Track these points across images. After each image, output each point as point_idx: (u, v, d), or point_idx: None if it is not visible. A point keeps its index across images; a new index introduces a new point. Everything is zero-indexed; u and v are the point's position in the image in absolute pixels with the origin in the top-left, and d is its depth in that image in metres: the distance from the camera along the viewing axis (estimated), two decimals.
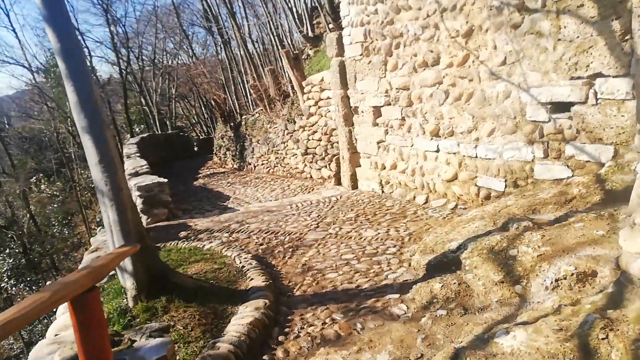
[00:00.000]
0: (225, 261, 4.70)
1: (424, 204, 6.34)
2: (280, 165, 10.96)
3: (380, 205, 6.65)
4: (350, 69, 7.35)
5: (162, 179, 7.29)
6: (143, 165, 8.76)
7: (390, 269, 4.33)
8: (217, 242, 5.61)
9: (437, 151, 6.06)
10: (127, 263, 3.60)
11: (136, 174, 8.44)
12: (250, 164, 13.16)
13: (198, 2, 21.42)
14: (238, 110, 15.67)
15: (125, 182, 3.60)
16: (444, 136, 5.91)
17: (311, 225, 6.01)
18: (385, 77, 6.69)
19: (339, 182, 8.30)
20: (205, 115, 29.37)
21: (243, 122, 14.01)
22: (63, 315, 3.66)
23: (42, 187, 17.27)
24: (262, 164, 12.14)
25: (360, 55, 7.03)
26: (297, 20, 15.15)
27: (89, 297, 1.79)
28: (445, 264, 3.99)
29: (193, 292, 3.66)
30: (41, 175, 18.06)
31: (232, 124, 15.16)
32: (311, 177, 9.33)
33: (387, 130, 6.93)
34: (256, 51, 14.43)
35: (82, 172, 18.11)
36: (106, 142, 3.33)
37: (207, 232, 6.26)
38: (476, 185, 5.60)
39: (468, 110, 5.49)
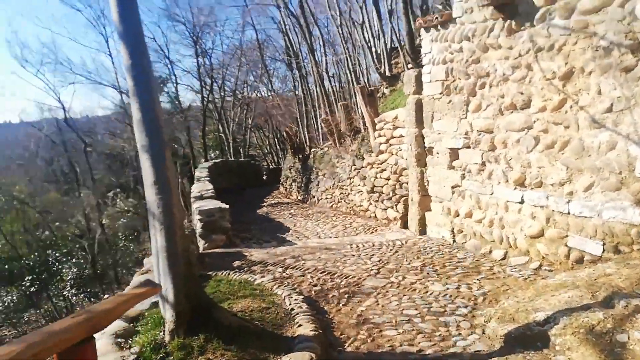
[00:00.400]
0: (274, 300, 4.35)
1: (501, 259, 5.62)
2: (345, 201, 10.61)
3: (450, 256, 6.01)
4: (428, 108, 6.94)
5: (223, 205, 7.23)
6: (209, 190, 8.84)
7: (460, 334, 3.72)
8: (269, 277, 5.30)
9: (521, 202, 5.39)
10: (170, 292, 3.38)
11: (200, 197, 8.50)
12: (314, 197, 12.96)
13: (281, 38, 22.35)
14: (308, 143, 15.72)
15: (180, 206, 3.43)
16: (530, 186, 5.25)
17: (371, 270, 5.52)
18: (466, 117, 6.19)
19: (405, 226, 7.75)
20: (278, 147, 30.11)
21: (311, 155, 13.95)
22: None
23: (118, 201, 18.38)
24: (326, 199, 11.87)
25: (440, 93, 6.61)
26: (375, 59, 15.12)
27: (80, 351, 1.41)
28: (528, 338, 3.34)
29: (235, 333, 3.33)
30: (118, 190, 19.26)
31: (300, 156, 15.19)
32: (375, 216, 8.86)
33: (463, 174, 6.36)
34: (332, 87, 14.52)
35: None
36: (164, 162, 3.19)
37: (262, 264, 5.98)
38: (566, 245, 4.85)
39: (561, 160, 4.83)
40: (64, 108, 16.94)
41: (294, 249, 6.72)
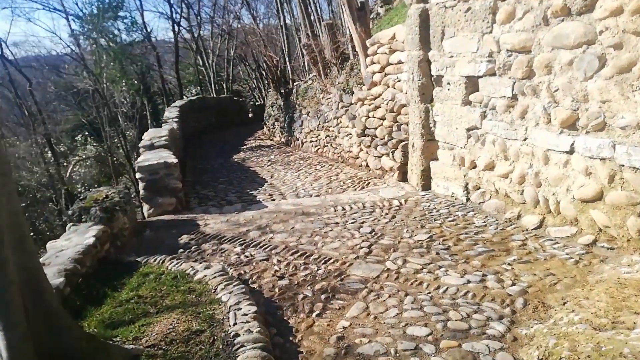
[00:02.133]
0: (214, 314, 2.90)
1: (535, 228, 4.16)
2: (331, 145, 8.99)
3: (465, 222, 4.54)
4: (437, 21, 5.13)
5: (171, 158, 5.61)
6: (162, 137, 7.15)
7: None
8: (219, 263, 3.83)
9: (570, 152, 3.82)
10: (1, 346, 1.89)
11: (151, 147, 6.84)
12: (297, 139, 11.30)
13: None
14: (291, 76, 13.75)
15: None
16: (585, 130, 3.65)
17: (360, 248, 4.06)
18: (491, 32, 4.43)
19: (404, 178, 6.22)
20: (262, 81, 27.81)
21: (294, 90, 12.09)
22: None
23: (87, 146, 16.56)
24: (311, 142, 10.23)
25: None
26: None
27: None
28: None
29: None
30: (86, 133, 17.29)
31: (283, 91, 13.28)
32: (367, 165, 7.29)
33: (484, 112, 4.71)
34: (315, 3, 12.27)
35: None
36: None
37: (216, 239, 4.51)
38: (639, 215, 3.35)
39: None
40: None
41: (263, 215, 5.21)
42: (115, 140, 13.57)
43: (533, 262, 3.56)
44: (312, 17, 11.52)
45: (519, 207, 4.44)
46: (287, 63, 13.85)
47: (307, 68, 12.67)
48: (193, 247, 4.37)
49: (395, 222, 4.66)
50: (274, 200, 6.21)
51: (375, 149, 6.88)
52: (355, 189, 6.31)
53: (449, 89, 5.14)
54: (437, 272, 3.50)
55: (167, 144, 6.95)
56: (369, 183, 6.50)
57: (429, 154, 5.64)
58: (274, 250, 4.14)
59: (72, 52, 14.54)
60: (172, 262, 3.82)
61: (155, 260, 3.90)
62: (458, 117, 5.06)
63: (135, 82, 13.91)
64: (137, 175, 5.51)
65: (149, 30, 19.71)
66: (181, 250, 4.32)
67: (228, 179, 8.21)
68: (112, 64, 13.09)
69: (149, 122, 15.52)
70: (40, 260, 3.54)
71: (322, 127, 9.40)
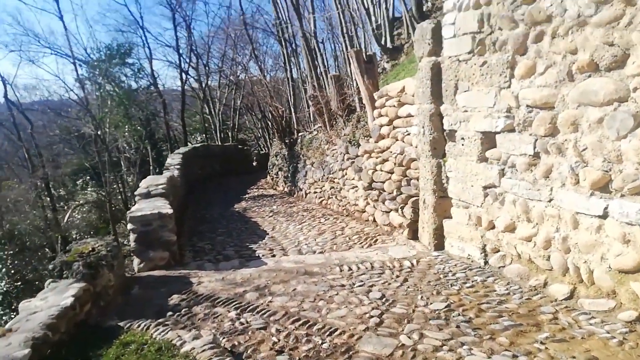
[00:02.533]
0: None
1: (565, 299, 3.73)
2: (336, 197, 8.68)
3: (485, 289, 4.11)
4: (450, 75, 4.96)
5: (166, 209, 5.27)
6: (160, 185, 6.85)
7: None
8: (210, 332, 3.39)
9: (603, 217, 3.47)
10: None
11: (147, 195, 6.53)
12: (301, 189, 11.02)
13: (272, 10, 20.03)
14: (296, 127, 13.71)
15: None
16: (620, 193, 3.32)
17: (370, 317, 3.62)
18: (509, 87, 4.23)
19: (414, 236, 5.84)
20: (267, 130, 28.03)
21: (299, 140, 11.97)
22: None
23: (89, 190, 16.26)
24: (315, 192, 9.93)
25: (469, 53, 4.62)
26: (375, 30, 13.03)
27: None
28: None
29: None
30: (88, 177, 17.10)
31: (287, 141, 13.19)
32: (374, 220, 6.93)
33: (503, 170, 4.42)
34: (321, 56, 12.39)
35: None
36: None
37: (209, 302, 4.07)
38: None
39: None
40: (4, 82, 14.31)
41: (261, 274, 4.80)
42: (115, 186, 13.32)
43: (569, 341, 3.11)
44: (318, 70, 11.61)
45: (545, 274, 4.03)
46: (293, 114, 13.86)
47: (312, 119, 12.63)
48: (183, 310, 3.93)
49: (408, 287, 4.24)
50: (274, 256, 5.80)
51: (383, 203, 6.55)
52: (362, 246, 5.91)
53: (463, 145, 4.88)
54: (459, 351, 3.05)
55: (165, 192, 6.64)
56: (376, 240, 6.11)
57: (441, 211, 5.29)
58: (273, 316, 3.70)
59: (77, 96, 14.71)
60: (158, 329, 3.38)
61: (139, 326, 3.46)
62: (474, 174, 4.76)
63: (139, 127, 13.83)
64: (129, 226, 5.16)
65: (156, 77, 20.03)
66: (170, 313, 3.88)
67: (227, 230, 7.83)
68: (116, 109, 13.11)
69: (151, 168, 15.34)
70: (8, 325, 3.13)
71: (327, 178, 9.13)
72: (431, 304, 3.83)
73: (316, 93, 9.72)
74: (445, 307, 3.76)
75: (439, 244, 5.31)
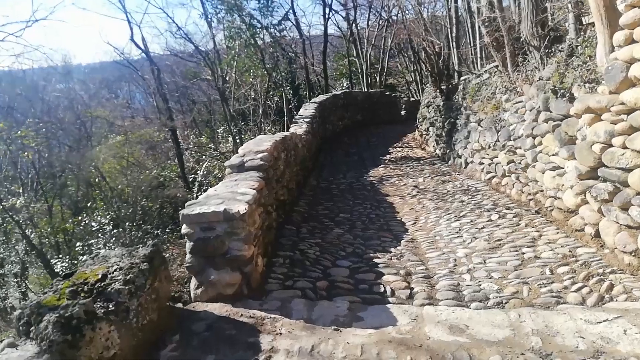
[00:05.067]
0: None
1: None
2: (518, 179, 5.69)
3: None
4: None
5: (237, 206, 3.20)
6: (261, 152, 4.84)
7: None
8: None
9: None
10: None
11: (240, 167, 4.61)
12: (460, 156, 8.13)
13: None
14: (457, 68, 10.48)
15: None
16: None
17: None
18: None
19: None
20: (419, 74, 24.59)
21: (461, 86, 8.88)
22: None
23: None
24: (481, 164, 7.00)
25: None
26: None
27: None
28: None
29: None
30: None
31: (443, 87, 10.16)
32: (597, 236, 3.90)
33: None
34: None
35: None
36: None
37: None
38: None
39: None
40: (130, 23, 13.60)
41: (382, 350, 2.48)
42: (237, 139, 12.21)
43: None
44: None
45: None
46: (453, 50, 10.59)
47: (482, 56, 9.27)
48: None
49: None
50: (411, 296, 3.35)
51: (626, 211, 3.49)
52: (584, 300, 3.07)
53: None
54: None
55: (263, 163, 4.64)
56: (612, 286, 3.18)
57: None
58: None
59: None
60: None
61: None
62: None
63: (264, 71, 12.26)
64: (183, 228, 3.31)
65: (296, 15, 18.11)
66: None
67: (350, 217, 5.61)
68: (245, 49, 11.73)
69: (285, 120, 13.87)
70: None
71: (504, 146, 6.11)
72: None
73: (494, 13, 6.50)
74: None
75: None
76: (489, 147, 6.66)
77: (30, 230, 11.24)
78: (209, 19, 12.31)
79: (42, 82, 22.54)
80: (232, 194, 3.67)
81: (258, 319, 3.00)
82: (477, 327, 2.76)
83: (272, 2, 12.46)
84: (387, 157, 10.40)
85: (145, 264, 2.87)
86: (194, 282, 3.35)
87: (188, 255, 3.34)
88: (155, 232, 9.60)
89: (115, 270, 2.77)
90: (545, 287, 3.29)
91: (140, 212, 10.46)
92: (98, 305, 2.53)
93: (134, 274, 2.75)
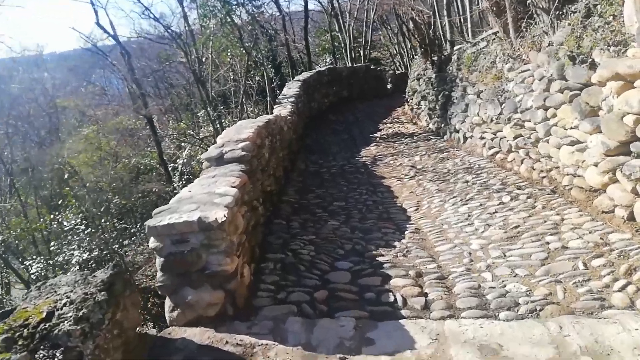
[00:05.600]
0: None
1: None
2: (528, 154, 5.19)
3: None
4: None
5: (217, 212, 2.63)
6: (242, 141, 4.26)
7: None
8: None
9: None
10: None
11: (220, 160, 4.02)
12: (457, 131, 7.61)
13: None
14: (448, 37, 9.87)
15: None
16: None
17: None
18: None
19: None
20: (405, 45, 23.86)
21: (454, 57, 8.30)
22: None
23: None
24: (482, 139, 6.50)
25: None
26: None
27: None
28: None
29: None
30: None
31: (435, 58, 9.56)
32: (630, 220, 3.43)
33: None
34: None
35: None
36: None
37: None
38: None
39: None
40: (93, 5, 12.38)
41: None
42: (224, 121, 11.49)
43: None
44: None
45: None
46: (444, 18, 9.94)
47: (478, 23, 8.67)
48: None
49: None
50: (427, 306, 2.82)
51: None
52: (633, 302, 2.60)
53: None
54: None
55: (246, 155, 4.05)
56: None
57: None
58: None
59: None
60: None
61: None
62: None
63: (242, 49, 11.42)
64: (151, 242, 2.74)
65: None
66: None
67: (345, 206, 5.08)
68: (221, 29, 10.87)
69: (268, 100, 13.11)
70: None
71: (509, 119, 5.60)
72: None
73: None
74: None
75: None
76: (491, 120, 6.14)
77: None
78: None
79: (4, 74, 21.17)
80: (209, 195, 3.08)
81: (247, 346, 2.48)
82: (513, 345, 2.28)
83: None
84: (378, 134, 9.85)
85: (103, 293, 2.30)
86: (168, 303, 2.80)
87: (159, 274, 2.78)
88: (133, 229, 9.00)
89: (64, 304, 2.21)
90: (583, 286, 2.81)
91: (113, 209, 9.78)
92: (41, 356, 1.98)
93: (89, 308, 2.19)
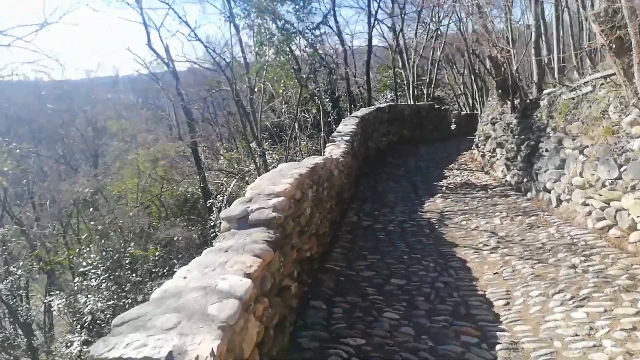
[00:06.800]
0: None
1: None
2: None
3: None
4: None
5: (204, 344, 1.59)
6: (273, 196, 3.25)
7: None
8: None
9: None
10: None
11: (243, 221, 3.02)
12: (548, 190, 6.22)
13: None
14: (534, 79, 8.57)
15: None
16: None
17: None
18: None
19: None
20: (474, 85, 22.58)
21: (544, 102, 6.98)
22: None
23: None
24: (585, 205, 5.09)
25: None
26: None
27: None
28: None
29: None
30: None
31: (517, 101, 8.26)
32: None
33: None
34: None
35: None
36: None
37: None
38: None
39: None
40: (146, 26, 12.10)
41: None
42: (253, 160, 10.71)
43: None
44: None
45: None
46: (531, 57, 8.67)
47: (579, 64, 7.34)
48: None
49: None
50: None
51: None
52: None
53: None
54: None
55: (278, 217, 3.02)
56: None
57: None
58: None
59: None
60: None
61: None
62: None
63: (300, 84, 10.71)
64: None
65: (337, 22, 16.55)
66: None
67: (406, 288, 3.87)
68: (277, 57, 10.24)
69: (322, 135, 12.27)
70: None
71: (634, 187, 4.21)
72: None
73: (618, 3, 4.65)
74: None
75: None
76: (603, 185, 4.75)
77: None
78: (232, 20, 10.86)
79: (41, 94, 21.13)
80: (204, 295, 1.99)
81: None
82: None
83: (310, 3, 10.88)
84: (444, 182, 8.58)
85: None
86: None
87: None
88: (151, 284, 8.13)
89: None
90: None
91: (127, 257, 9.02)
92: None
93: None
